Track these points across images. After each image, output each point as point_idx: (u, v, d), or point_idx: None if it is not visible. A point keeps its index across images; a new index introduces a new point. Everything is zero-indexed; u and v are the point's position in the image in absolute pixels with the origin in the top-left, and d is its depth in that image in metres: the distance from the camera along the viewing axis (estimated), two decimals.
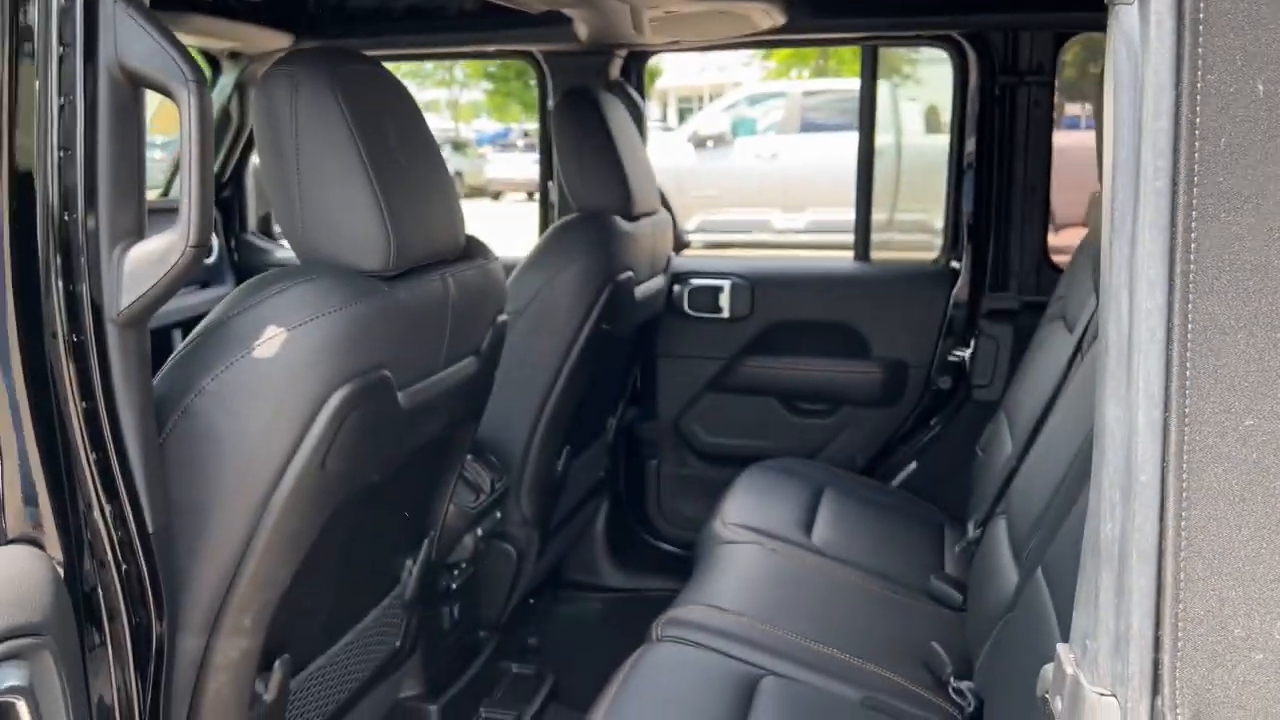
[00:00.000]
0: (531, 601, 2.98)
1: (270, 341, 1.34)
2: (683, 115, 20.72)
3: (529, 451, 2.42)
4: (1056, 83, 3.02)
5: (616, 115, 2.72)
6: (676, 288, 3.22)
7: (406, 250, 1.51)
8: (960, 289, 3.10)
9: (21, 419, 1.10)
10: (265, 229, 3.58)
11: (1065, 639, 0.87)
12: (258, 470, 1.35)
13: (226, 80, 3.20)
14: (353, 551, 1.67)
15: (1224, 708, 0.77)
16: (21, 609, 1.02)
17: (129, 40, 1.15)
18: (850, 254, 3.38)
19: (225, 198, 3.42)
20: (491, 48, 3.31)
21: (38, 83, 1.11)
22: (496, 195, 16.99)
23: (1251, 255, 0.74)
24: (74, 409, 1.15)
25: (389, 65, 1.69)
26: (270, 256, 3.45)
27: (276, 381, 1.35)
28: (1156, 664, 0.78)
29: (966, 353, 3.08)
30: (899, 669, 1.93)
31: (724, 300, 3.21)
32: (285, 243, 3.56)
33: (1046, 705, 0.90)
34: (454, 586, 2.21)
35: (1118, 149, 0.78)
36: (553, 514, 2.65)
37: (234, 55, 3.14)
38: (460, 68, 23.58)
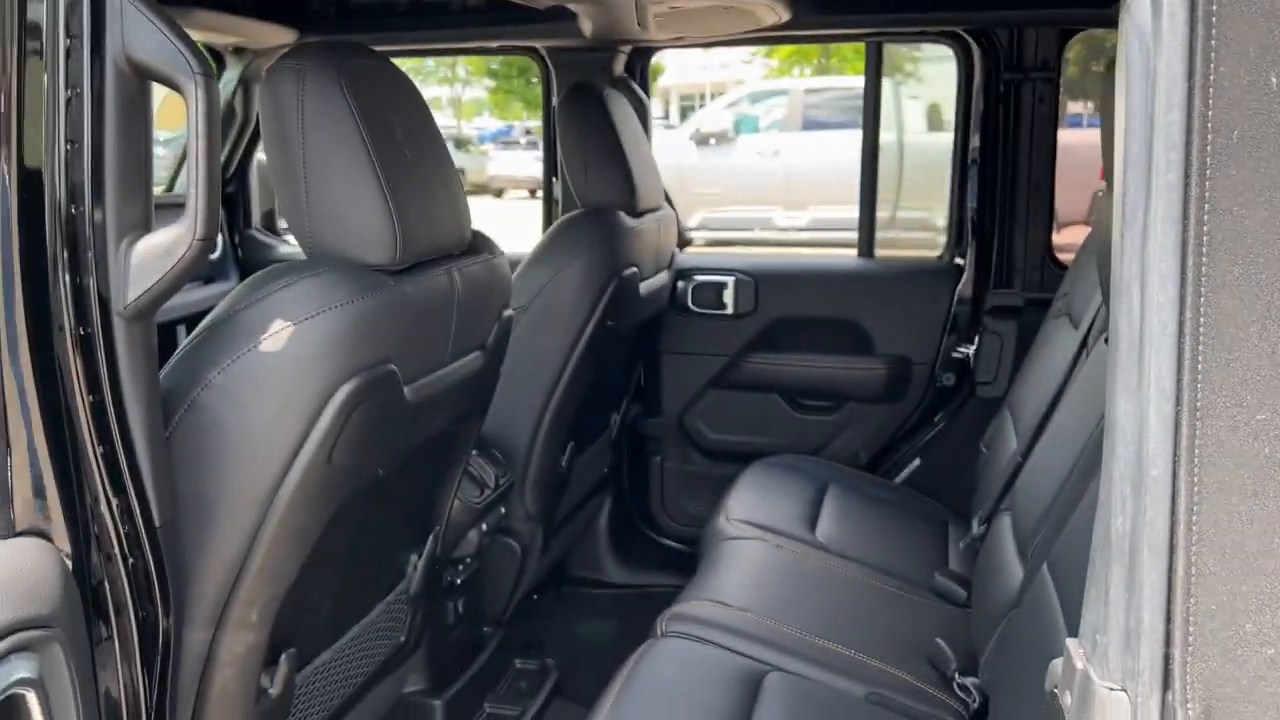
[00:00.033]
0: (535, 597, 2.98)
1: (277, 335, 1.34)
2: (684, 113, 20.72)
3: (533, 447, 2.42)
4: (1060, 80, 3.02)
5: (621, 111, 2.72)
6: (680, 284, 3.22)
7: (412, 245, 1.51)
8: (964, 285, 3.10)
9: (30, 412, 1.10)
10: (269, 225, 3.58)
11: (1072, 635, 0.87)
12: (264, 464, 1.35)
13: (230, 76, 3.20)
14: (358, 546, 1.67)
15: (1235, 703, 0.77)
16: (31, 601, 1.02)
17: (136, 33, 1.15)
18: (853, 251, 3.38)
19: (229, 193, 3.41)
20: (495, 44, 3.30)
21: (45, 75, 1.11)
22: (499, 192, 16.99)
23: (1264, 249, 0.73)
24: (81, 402, 1.15)
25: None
26: (274, 252, 3.45)
27: (283, 375, 1.35)
28: (1167, 659, 0.77)
29: (970, 349, 3.07)
30: (904, 665, 1.93)
31: (728, 296, 3.21)
32: (289, 238, 3.55)
33: (1055, 700, 0.89)
34: (458, 582, 2.21)
35: (1129, 142, 0.78)
36: (557, 510, 2.65)
37: (238, 51, 3.13)
38: (462, 65, 23.58)
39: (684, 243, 3.40)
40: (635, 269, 2.65)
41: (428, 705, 2.17)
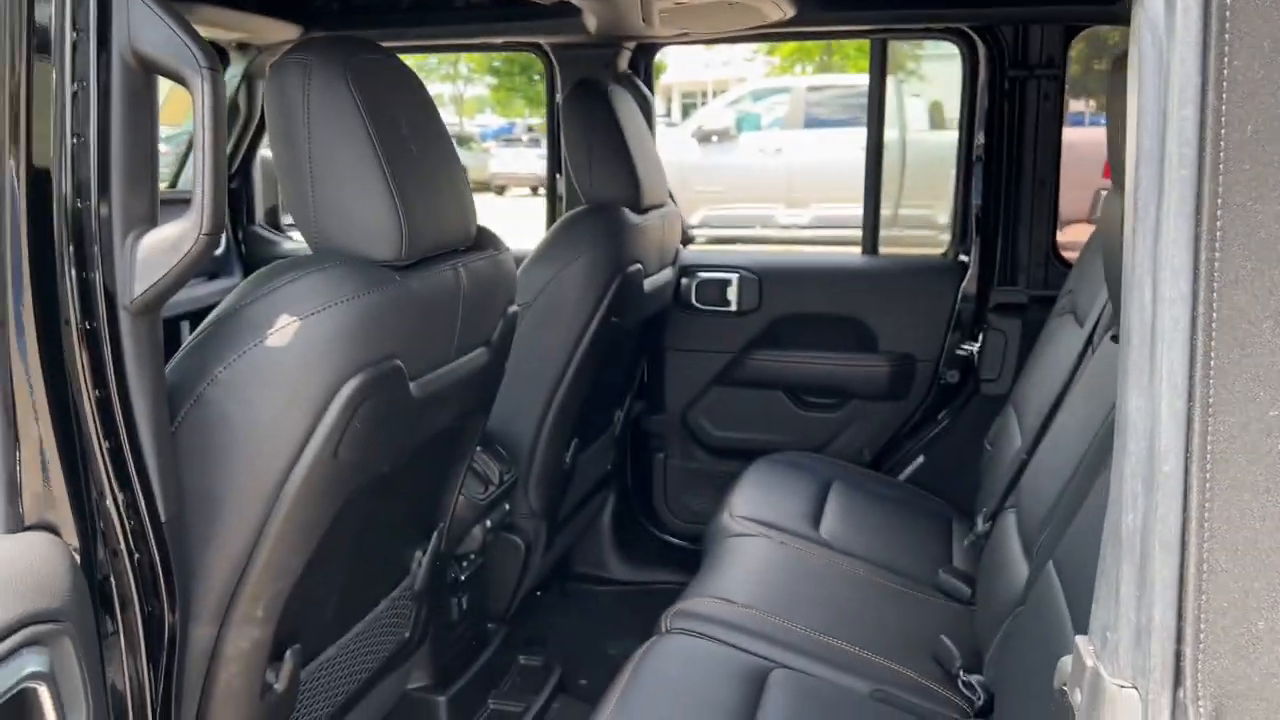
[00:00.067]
0: (539, 594, 2.98)
1: (283, 330, 1.34)
2: (686, 110, 20.71)
3: (537, 444, 2.42)
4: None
5: (625, 108, 2.71)
6: (684, 281, 3.22)
7: (418, 240, 1.51)
8: (969, 283, 3.09)
9: (39, 406, 1.10)
10: (273, 221, 3.58)
11: (1078, 632, 0.86)
12: (270, 459, 1.35)
13: (234, 71, 3.20)
14: (364, 542, 1.67)
15: (1246, 700, 0.76)
16: (41, 595, 1.02)
17: (143, 26, 1.15)
18: (856, 248, 3.38)
19: (233, 189, 3.41)
20: (499, 40, 3.29)
21: (52, 69, 1.10)
22: (501, 190, 16.98)
23: (1277, 244, 0.73)
24: (86, 397, 1.15)
25: None
26: (277, 248, 3.45)
27: (289, 370, 1.35)
28: (1179, 656, 0.77)
29: (974, 347, 3.07)
30: (908, 662, 1.93)
31: (732, 293, 3.21)
32: (293, 235, 3.55)
33: (1064, 697, 0.89)
34: (462, 578, 2.21)
35: (1142, 137, 0.77)
36: (561, 506, 2.65)
37: (242, 46, 3.13)
38: (465, 62, 23.56)
39: (686, 240, 3.40)
40: (640, 265, 2.65)
41: (432, 701, 2.17)
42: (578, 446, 2.63)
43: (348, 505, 1.50)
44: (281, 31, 2.94)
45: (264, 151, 3.47)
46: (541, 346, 2.38)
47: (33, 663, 0.99)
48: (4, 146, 1.06)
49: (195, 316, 2.93)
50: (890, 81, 3.52)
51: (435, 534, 1.93)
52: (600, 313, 2.44)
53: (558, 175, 3.32)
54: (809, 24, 3.00)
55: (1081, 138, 3.23)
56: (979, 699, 1.83)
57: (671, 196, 3.17)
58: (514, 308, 1.91)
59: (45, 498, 1.11)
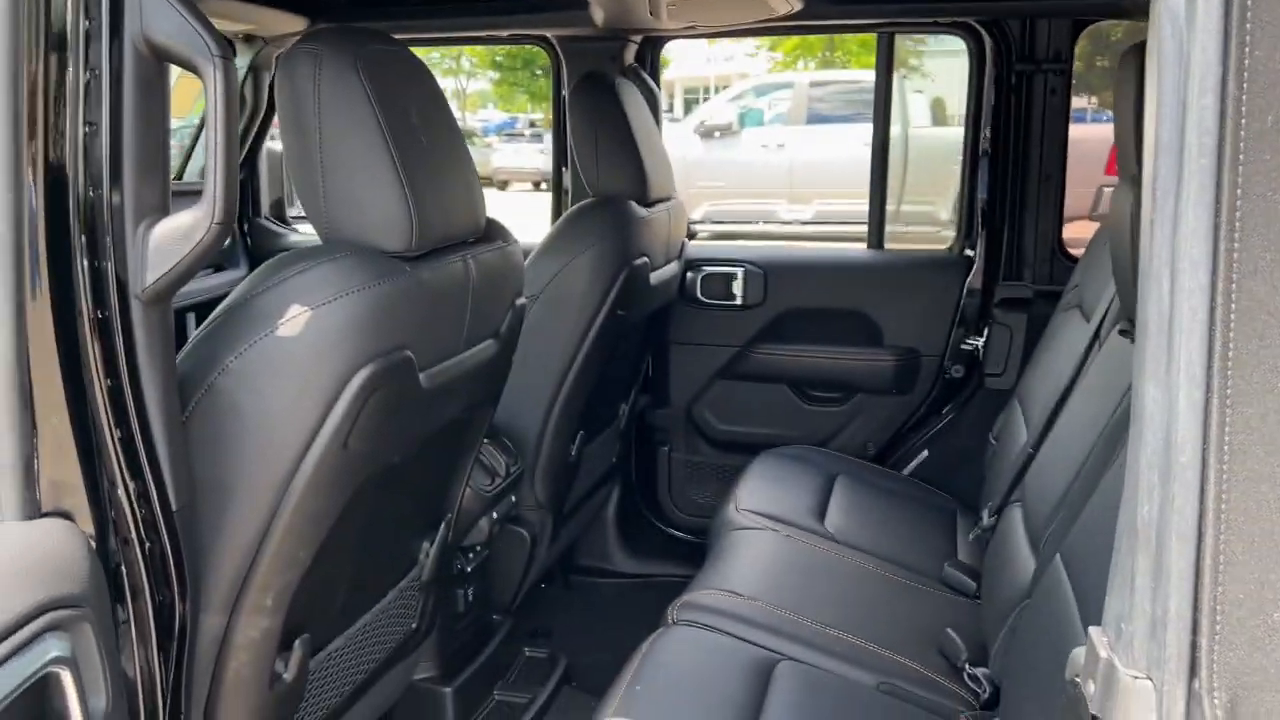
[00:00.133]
0: (543, 586, 2.98)
1: (294, 320, 1.33)
2: (689, 106, 20.68)
3: (543, 436, 2.42)
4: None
5: (632, 101, 2.71)
6: (689, 275, 3.22)
7: (428, 231, 1.51)
8: (974, 277, 3.09)
9: (55, 394, 1.10)
10: (279, 213, 3.58)
11: (1086, 625, 0.86)
12: (280, 449, 1.35)
13: (241, 63, 3.19)
14: (372, 532, 1.67)
15: (1262, 691, 0.76)
16: (60, 581, 1.02)
17: (155, 15, 1.15)
18: (860, 244, 3.38)
19: (239, 181, 3.41)
20: (506, 32, 3.29)
21: (66, 58, 1.10)
22: (503, 185, 16.98)
23: None
24: (99, 386, 1.15)
25: None
26: (283, 241, 3.45)
27: (300, 360, 1.35)
28: (1194, 647, 0.77)
29: (980, 341, 3.07)
30: (914, 655, 1.93)
31: (737, 287, 3.21)
32: (299, 227, 3.55)
33: (1076, 689, 0.89)
34: (469, 569, 2.21)
35: (1160, 127, 0.77)
36: (566, 499, 2.65)
37: (248, 38, 3.13)
38: (467, 57, 23.53)
39: (689, 235, 3.40)
40: (646, 259, 2.64)
41: (438, 693, 2.17)
42: (583, 439, 2.63)
43: (357, 496, 1.50)
44: (288, 23, 2.93)
45: (270, 144, 3.46)
46: (548, 339, 2.38)
47: (55, 648, 0.99)
48: (22, 137, 1.06)
49: (201, 309, 2.93)
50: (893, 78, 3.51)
51: (443, 525, 1.94)
52: (607, 305, 2.44)
53: (563, 169, 3.32)
54: (816, 18, 3.00)
55: (1083, 134, 3.21)
56: (984, 692, 1.84)
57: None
58: (522, 300, 1.91)
59: (61, 485, 1.12)
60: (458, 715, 2.22)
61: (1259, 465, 0.75)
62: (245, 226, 3.46)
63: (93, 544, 1.12)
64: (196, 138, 3.42)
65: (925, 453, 3.12)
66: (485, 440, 2.11)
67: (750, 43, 19.48)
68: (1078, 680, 0.88)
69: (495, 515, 2.23)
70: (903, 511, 2.65)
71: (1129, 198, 1.78)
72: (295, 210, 3.60)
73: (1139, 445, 0.80)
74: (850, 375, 3.19)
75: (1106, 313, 2.14)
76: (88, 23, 1.12)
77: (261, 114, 3.29)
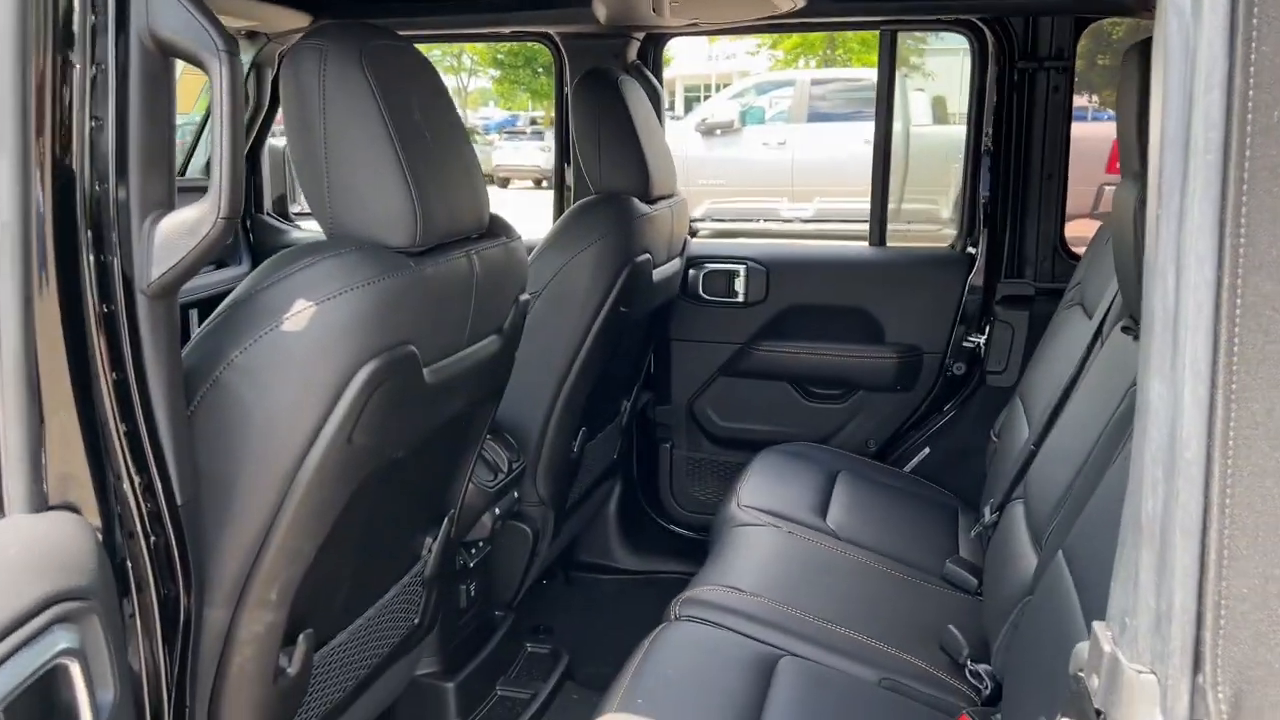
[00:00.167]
0: (544, 582, 2.99)
1: (299, 315, 1.34)
2: (689, 104, 20.70)
3: (545, 432, 2.42)
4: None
5: (635, 97, 2.71)
6: (691, 272, 3.22)
7: (433, 226, 1.51)
8: (976, 275, 3.10)
9: (62, 388, 1.10)
10: (280, 210, 3.58)
11: (1089, 621, 0.86)
12: (285, 443, 1.36)
13: (244, 60, 3.19)
14: (376, 527, 1.67)
15: (1266, 686, 0.76)
16: (67, 573, 1.03)
17: (161, 10, 1.15)
18: (862, 241, 3.38)
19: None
20: (508, 29, 3.29)
21: (72, 53, 1.11)
22: (504, 182, 16.98)
23: None
24: (104, 380, 1.15)
25: None
26: (286, 237, 3.45)
27: (305, 355, 1.35)
28: (1198, 641, 0.77)
29: (981, 339, 3.07)
30: (916, 651, 1.93)
31: (739, 285, 3.21)
32: (301, 224, 3.56)
33: (1079, 684, 0.89)
34: (471, 565, 2.22)
35: (1166, 122, 0.77)
36: (568, 495, 2.65)
37: (251, 35, 3.13)
38: (468, 54, 23.53)
39: (690, 233, 3.40)
40: (649, 255, 2.65)
41: (440, 688, 2.18)
42: (585, 436, 2.63)
43: (361, 491, 1.50)
44: (291, 19, 2.93)
45: (272, 140, 3.46)
46: (551, 335, 2.38)
47: (63, 639, 0.99)
48: (30, 132, 1.06)
49: (203, 305, 2.93)
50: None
51: (446, 520, 1.94)
52: (609, 302, 2.44)
53: (566, 165, 3.32)
54: (818, 15, 3.00)
55: (1083, 133, 3.21)
56: (986, 688, 1.84)
57: None
58: (525, 296, 1.92)
59: (69, 478, 1.12)
60: (460, 711, 2.22)
61: (1264, 460, 0.75)
62: (248, 223, 3.45)
63: (100, 537, 1.13)
64: (199, 134, 3.42)
65: (926, 450, 3.12)
66: (488, 436, 2.11)
67: (751, 41, 19.49)
68: (1081, 675, 0.89)
69: (498, 511, 2.24)
70: (904, 508, 2.66)
71: (1131, 195, 1.78)
72: (297, 207, 3.60)
73: (1144, 440, 0.80)
74: (852, 372, 3.19)
75: (1109, 310, 2.14)
76: (94, 18, 1.12)
77: (264, 110, 3.29)
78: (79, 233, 1.12)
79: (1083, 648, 0.89)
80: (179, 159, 3.39)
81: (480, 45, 20.21)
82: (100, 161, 1.13)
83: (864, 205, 3.43)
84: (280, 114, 3.30)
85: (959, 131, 3.22)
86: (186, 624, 1.27)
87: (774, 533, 2.34)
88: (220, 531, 1.36)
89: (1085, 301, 2.37)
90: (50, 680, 0.99)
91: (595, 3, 2.66)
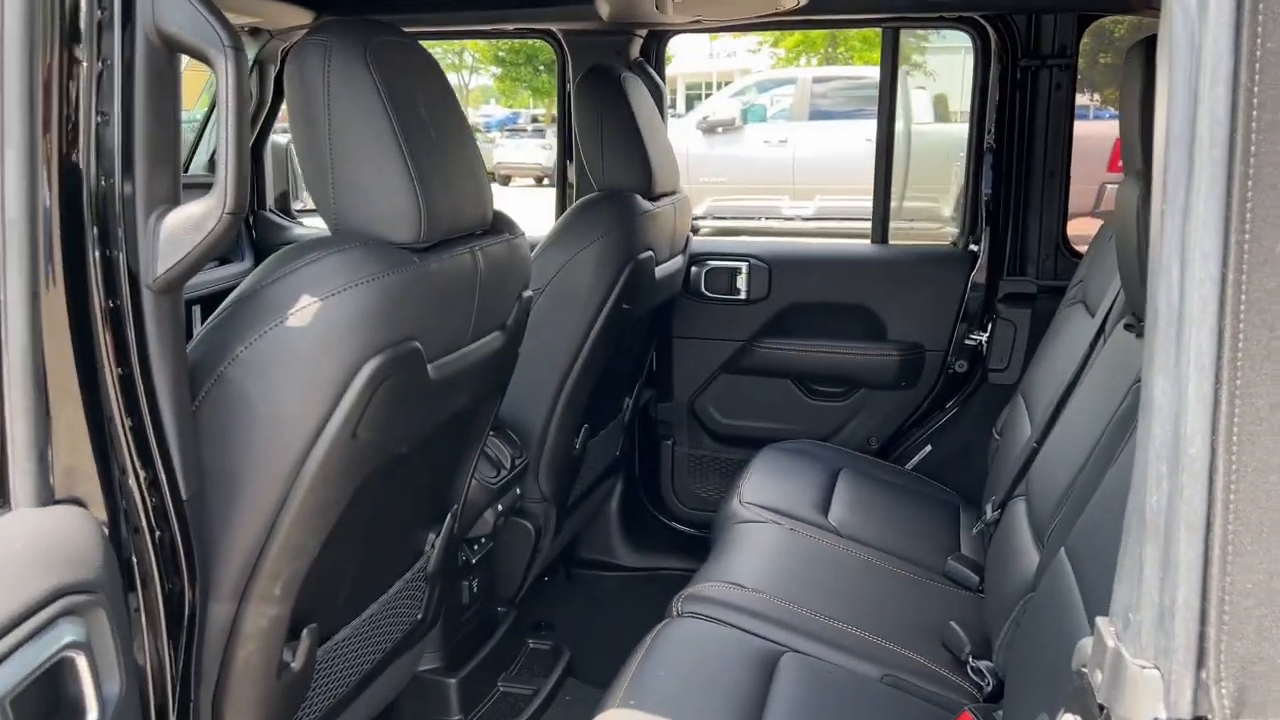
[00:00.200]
0: (546, 579, 2.99)
1: (303, 311, 1.34)
2: (690, 102, 20.69)
3: (548, 429, 2.43)
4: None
5: (638, 94, 2.71)
6: (694, 269, 3.22)
7: (437, 222, 1.51)
8: (978, 272, 3.10)
9: (68, 383, 1.11)
10: (283, 206, 3.58)
11: (1091, 618, 0.87)
12: (289, 439, 1.36)
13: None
14: (379, 523, 1.68)
15: (1269, 680, 0.77)
16: (74, 567, 1.03)
17: (166, 5, 1.15)
18: (862, 240, 3.38)
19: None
20: (511, 26, 3.29)
21: (80, 48, 1.11)
22: (505, 180, 16.98)
23: None
24: (110, 375, 1.15)
25: None
26: (288, 234, 3.46)
27: (309, 350, 1.35)
28: (1202, 637, 0.77)
29: (983, 336, 3.08)
30: (918, 648, 1.94)
31: (741, 282, 3.21)
32: (304, 220, 3.56)
33: (1083, 679, 0.89)
34: (473, 561, 2.22)
35: (1172, 118, 0.77)
36: (570, 492, 2.66)
37: (254, 31, 3.13)
38: (469, 51, 23.53)
39: (691, 230, 3.40)
40: (651, 252, 2.65)
41: (442, 683, 2.18)
42: (587, 433, 2.64)
43: (365, 486, 1.51)
44: (294, 16, 2.93)
45: (275, 137, 3.47)
46: (553, 332, 2.39)
47: (70, 633, 1.00)
48: (37, 128, 1.07)
49: (206, 301, 2.94)
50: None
51: (449, 516, 1.94)
52: (612, 299, 2.44)
53: (568, 162, 3.32)
54: (822, 12, 3.00)
55: (1085, 131, 3.21)
56: (988, 685, 1.84)
57: None
58: (528, 292, 1.92)
59: (75, 472, 1.12)
60: (462, 706, 2.23)
61: (1268, 456, 0.75)
62: (250, 220, 3.46)
63: (105, 531, 1.13)
64: (201, 131, 3.42)
65: (928, 447, 3.12)
66: (490, 432, 2.11)
67: (753, 39, 19.47)
68: (1084, 670, 0.89)
69: (500, 507, 2.24)
70: (906, 505, 2.66)
71: (1134, 192, 1.78)
72: (299, 204, 3.61)
73: (1148, 436, 0.80)
74: (854, 370, 3.19)
75: (1111, 308, 2.14)
76: (100, 13, 1.12)
77: (267, 107, 3.29)
78: (85, 228, 1.12)
79: (1086, 643, 0.90)
80: (183, 155, 3.39)
81: (482, 42, 20.21)
82: (106, 157, 1.14)
83: (865, 203, 3.43)
84: (283, 110, 3.31)
85: (960, 130, 3.22)
86: (191, 618, 1.28)
87: (776, 530, 2.34)
88: (225, 526, 1.36)
89: (1087, 299, 2.37)
90: (57, 673, 1.00)
91: (598, 0, 2.67)
